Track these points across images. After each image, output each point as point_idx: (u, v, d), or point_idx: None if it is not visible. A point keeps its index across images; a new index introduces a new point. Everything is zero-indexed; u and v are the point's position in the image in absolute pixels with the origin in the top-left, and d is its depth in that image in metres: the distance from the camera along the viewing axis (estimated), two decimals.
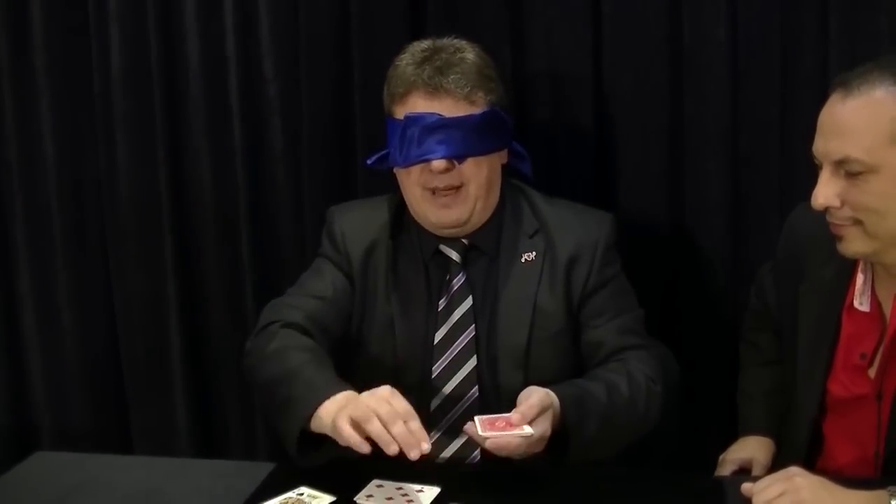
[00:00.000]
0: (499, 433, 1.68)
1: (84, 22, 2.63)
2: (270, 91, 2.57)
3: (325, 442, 1.72)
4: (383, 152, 2.03)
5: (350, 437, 1.62)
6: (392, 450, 1.60)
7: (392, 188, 2.10)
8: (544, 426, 1.72)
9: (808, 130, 1.73)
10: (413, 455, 1.60)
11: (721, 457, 2.09)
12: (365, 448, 1.62)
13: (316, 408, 1.72)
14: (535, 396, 1.73)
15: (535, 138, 2.36)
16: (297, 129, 2.57)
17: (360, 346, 2.06)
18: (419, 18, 2.46)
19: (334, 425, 1.66)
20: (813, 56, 2.31)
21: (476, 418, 1.72)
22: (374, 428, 1.61)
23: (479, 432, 1.69)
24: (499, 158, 2.03)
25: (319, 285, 2.08)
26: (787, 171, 2.35)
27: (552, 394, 1.77)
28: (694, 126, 2.39)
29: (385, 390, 1.68)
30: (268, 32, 2.54)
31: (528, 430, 1.68)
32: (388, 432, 1.61)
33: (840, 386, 1.85)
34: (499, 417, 1.72)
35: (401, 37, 2.33)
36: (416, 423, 1.64)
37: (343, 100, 2.52)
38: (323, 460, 1.77)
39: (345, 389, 1.75)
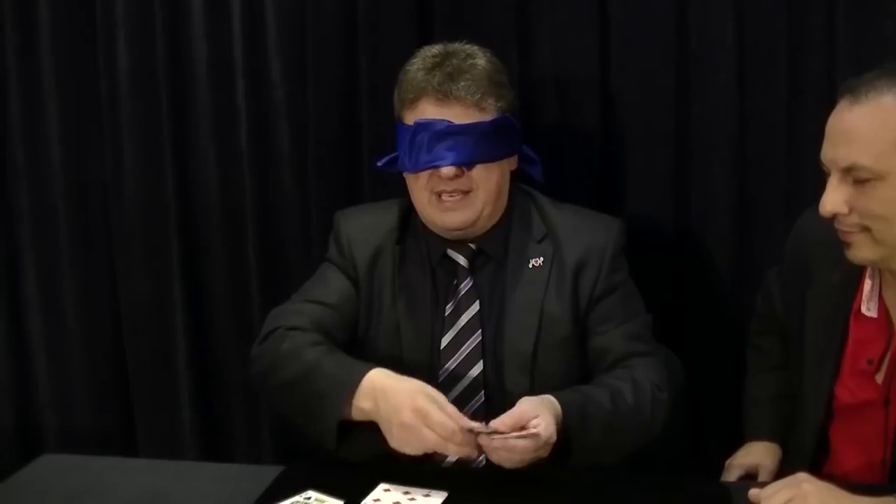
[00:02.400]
0: (504, 436, 1.68)
1: (91, 25, 2.64)
2: (277, 94, 2.58)
3: (358, 428, 1.79)
4: (393, 155, 2.03)
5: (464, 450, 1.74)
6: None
7: (399, 191, 2.10)
8: (550, 431, 1.72)
9: (815, 134, 1.73)
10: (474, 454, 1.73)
11: (727, 462, 2.09)
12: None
13: (350, 397, 1.78)
14: (519, 406, 1.75)
15: (541, 142, 2.35)
16: (304, 133, 2.57)
17: (367, 351, 2.05)
18: (426, 22, 2.46)
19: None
20: (820, 60, 2.31)
21: (480, 437, 1.73)
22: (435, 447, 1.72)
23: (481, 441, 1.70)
24: (508, 164, 2.03)
25: (324, 291, 2.08)
26: (793, 175, 2.35)
27: (553, 400, 1.77)
28: (701, 130, 2.39)
29: (411, 412, 1.73)
30: (275, 36, 2.55)
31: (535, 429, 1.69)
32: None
33: (847, 391, 1.85)
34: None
35: (408, 40, 2.34)
36: (466, 425, 1.71)
37: (350, 103, 2.53)
38: (362, 453, 1.83)
39: (369, 370, 1.81)
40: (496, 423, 1.71)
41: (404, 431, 1.72)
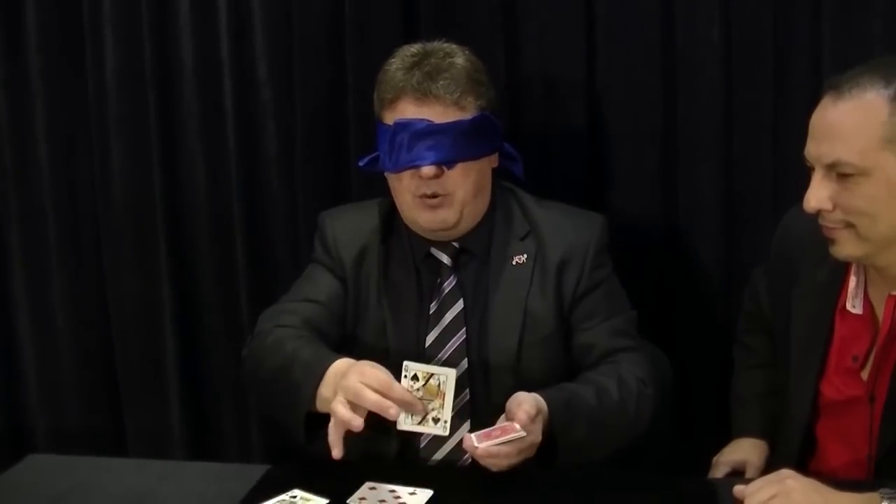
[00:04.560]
0: (493, 441, 1.68)
1: (78, 25, 2.64)
2: (264, 94, 2.58)
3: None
4: (374, 155, 2.03)
5: (344, 414, 1.65)
6: (392, 413, 1.64)
7: (384, 192, 2.10)
8: (535, 433, 1.72)
9: (801, 132, 1.73)
10: (418, 409, 1.66)
11: (714, 459, 2.09)
12: (357, 422, 1.65)
13: (316, 388, 1.75)
14: (528, 401, 1.73)
15: (528, 140, 2.37)
16: (290, 133, 2.58)
17: (353, 350, 2.05)
18: (412, 22, 2.46)
19: (331, 411, 1.68)
20: (806, 58, 2.32)
21: (472, 434, 1.72)
22: (371, 398, 1.64)
23: (476, 444, 1.70)
24: (489, 162, 2.03)
25: (313, 290, 2.08)
26: (779, 173, 2.36)
27: (540, 398, 1.77)
28: (687, 128, 2.40)
29: (363, 365, 1.71)
30: (261, 36, 2.55)
31: (520, 431, 1.69)
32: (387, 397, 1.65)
33: (833, 388, 1.85)
34: (494, 428, 1.72)
35: (394, 40, 2.32)
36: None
37: (337, 103, 2.53)
38: (349, 452, 1.77)
39: (335, 360, 1.78)
40: (518, 423, 1.70)
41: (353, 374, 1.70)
